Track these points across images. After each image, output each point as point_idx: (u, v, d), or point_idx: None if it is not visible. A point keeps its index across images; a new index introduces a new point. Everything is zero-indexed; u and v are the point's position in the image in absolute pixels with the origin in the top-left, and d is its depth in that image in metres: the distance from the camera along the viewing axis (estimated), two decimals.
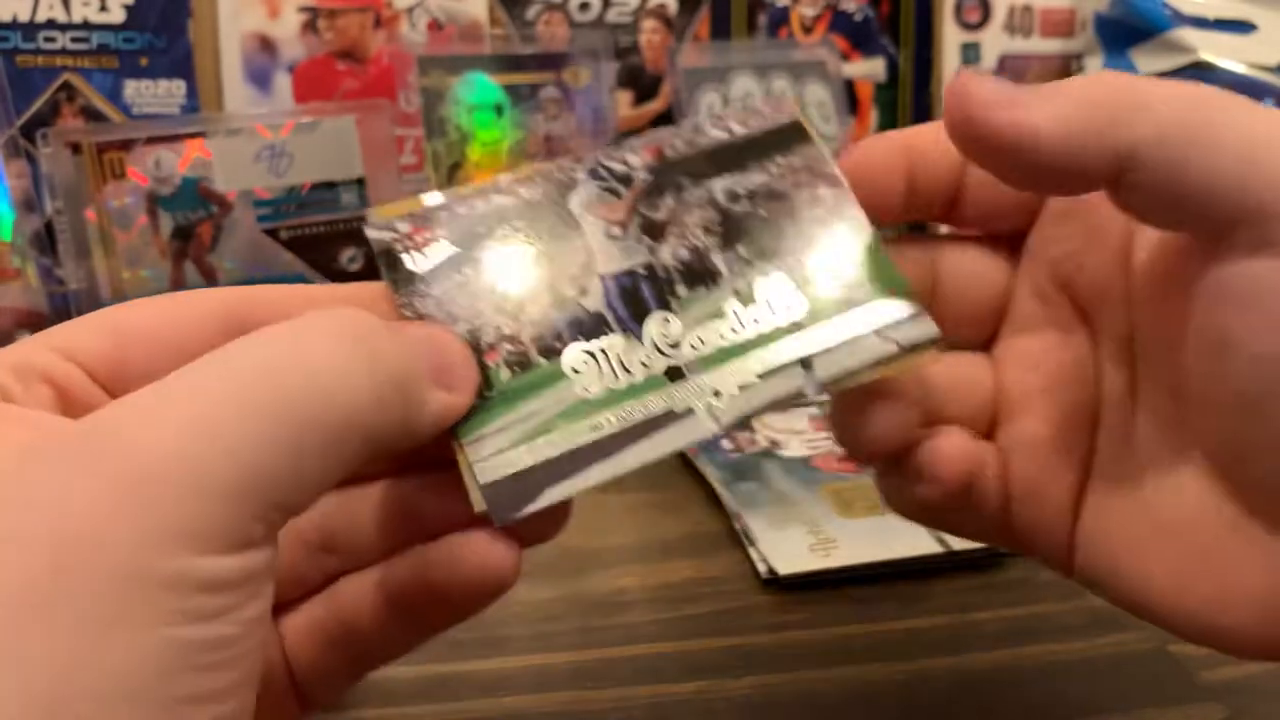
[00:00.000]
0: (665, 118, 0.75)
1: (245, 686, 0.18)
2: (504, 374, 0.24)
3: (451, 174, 0.65)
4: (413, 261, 0.25)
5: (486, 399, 0.24)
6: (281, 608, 0.25)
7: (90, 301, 0.55)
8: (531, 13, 0.72)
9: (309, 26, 0.68)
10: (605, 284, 0.26)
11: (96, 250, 0.55)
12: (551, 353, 0.25)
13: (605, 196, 0.26)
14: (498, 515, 0.22)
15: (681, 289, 0.26)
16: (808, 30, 0.78)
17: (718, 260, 0.26)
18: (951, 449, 0.27)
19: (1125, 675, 0.37)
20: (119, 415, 0.18)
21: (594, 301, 0.25)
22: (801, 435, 0.53)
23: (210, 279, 0.58)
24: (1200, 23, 0.72)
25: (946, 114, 0.23)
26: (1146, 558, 0.26)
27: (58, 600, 0.16)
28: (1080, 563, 0.27)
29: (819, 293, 0.26)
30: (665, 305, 0.26)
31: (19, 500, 0.17)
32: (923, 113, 0.81)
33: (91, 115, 0.65)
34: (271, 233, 0.59)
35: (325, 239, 0.60)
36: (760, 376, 0.25)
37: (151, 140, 0.56)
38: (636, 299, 0.26)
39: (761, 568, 0.42)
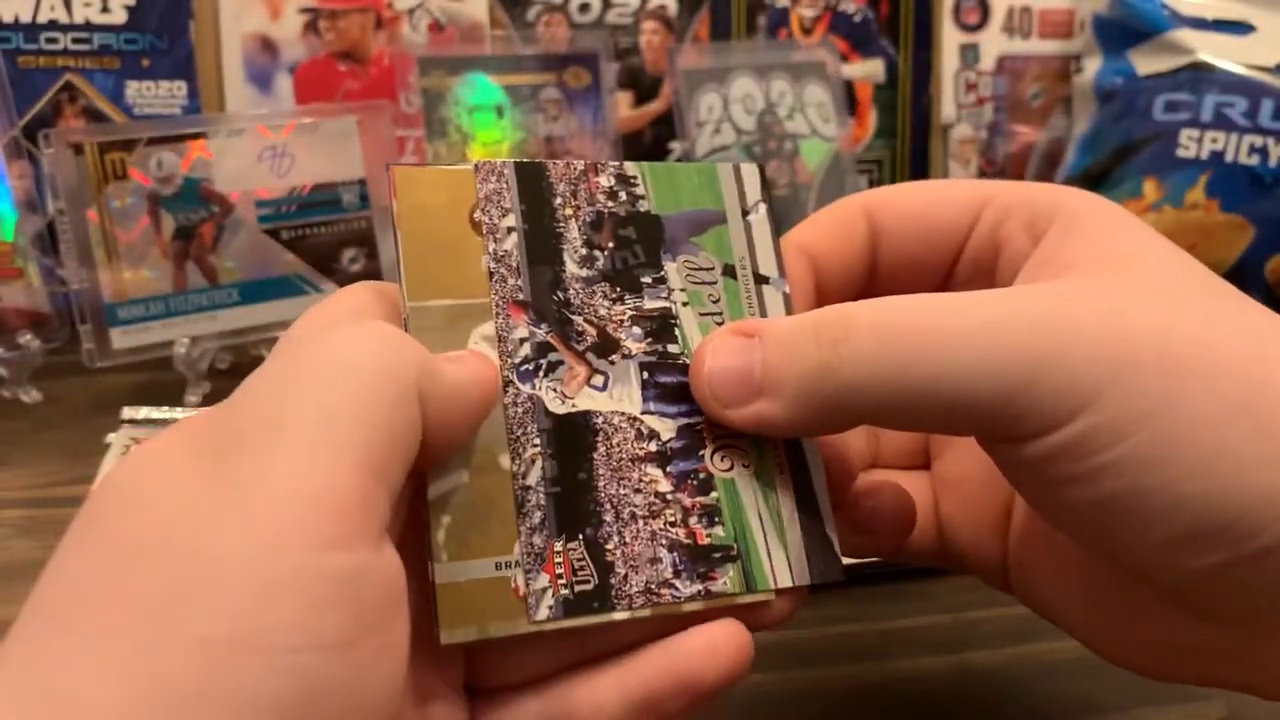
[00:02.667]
0: (665, 118, 0.75)
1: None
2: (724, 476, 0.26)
3: None
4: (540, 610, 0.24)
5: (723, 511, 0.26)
6: (477, 702, 0.25)
7: (92, 302, 0.55)
8: (532, 14, 0.73)
9: (310, 27, 0.69)
10: (652, 418, 0.26)
11: (98, 251, 0.55)
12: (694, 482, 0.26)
13: (556, 383, 0.25)
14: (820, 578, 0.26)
15: (672, 347, 0.27)
16: (807, 31, 0.79)
17: (647, 301, 0.27)
18: (891, 506, 0.29)
19: (1125, 674, 0.37)
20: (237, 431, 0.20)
21: (665, 431, 0.26)
22: None
23: (212, 279, 0.58)
24: (1199, 23, 0.72)
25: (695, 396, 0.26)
26: (1062, 593, 0.28)
27: (187, 617, 0.17)
28: (1013, 587, 0.29)
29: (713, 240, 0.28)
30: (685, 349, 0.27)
31: (143, 511, 0.19)
32: (921, 114, 0.81)
33: (93, 116, 0.65)
34: (273, 233, 0.59)
35: (326, 239, 0.60)
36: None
37: (153, 141, 0.56)
38: (671, 390, 0.26)
39: None
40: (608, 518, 0.24)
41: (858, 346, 0.23)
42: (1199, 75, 0.71)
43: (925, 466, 0.32)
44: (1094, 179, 0.73)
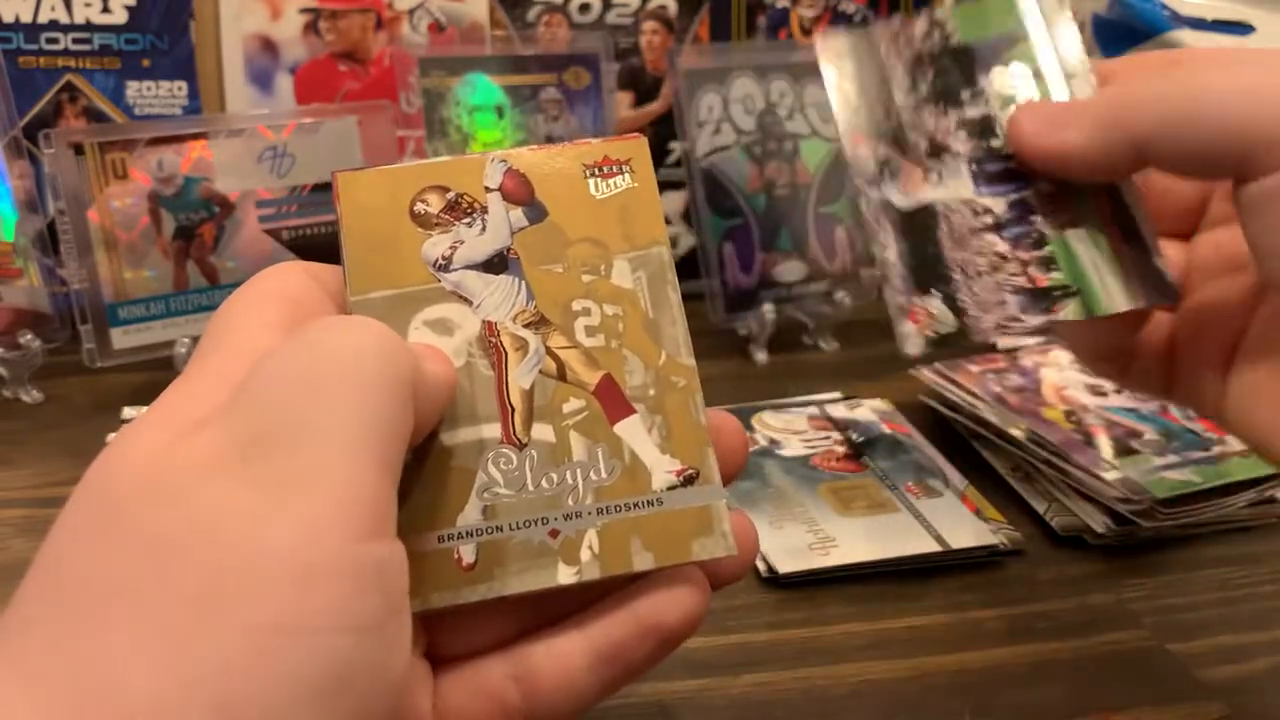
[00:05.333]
0: (665, 119, 0.75)
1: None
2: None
3: None
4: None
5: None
6: (441, 666, 0.25)
7: (92, 302, 0.55)
8: (532, 14, 0.73)
9: (310, 28, 0.69)
10: (984, 198, 0.31)
11: (99, 250, 0.55)
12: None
13: (899, 184, 0.31)
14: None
15: (995, 142, 0.31)
16: (807, 32, 0.79)
17: (968, 111, 0.32)
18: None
19: (1124, 673, 0.37)
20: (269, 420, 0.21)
21: (997, 206, 0.31)
22: (801, 435, 0.53)
23: (212, 279, 0.58)
24: (1198, 24, 0.72)
25: (1010, 142, 0.31)
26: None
27: (226, 605, 0.18)
28: (1229, 416, 0.31)
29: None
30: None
31: (175, 511, 0.19)
32: None
33: (94, 116, 0.65)
34: (273, 233, 0.59)
35: (327, 240, 0.60)
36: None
37: (154, 141, 0.56)
38: (997, 174, 0.31)
39: (761, 566, 0.43)
40: (956, 276, 0.30)
41: (1148, 79, 0.28)
42: None
43: (1187, 238, 0.34)
44: None
